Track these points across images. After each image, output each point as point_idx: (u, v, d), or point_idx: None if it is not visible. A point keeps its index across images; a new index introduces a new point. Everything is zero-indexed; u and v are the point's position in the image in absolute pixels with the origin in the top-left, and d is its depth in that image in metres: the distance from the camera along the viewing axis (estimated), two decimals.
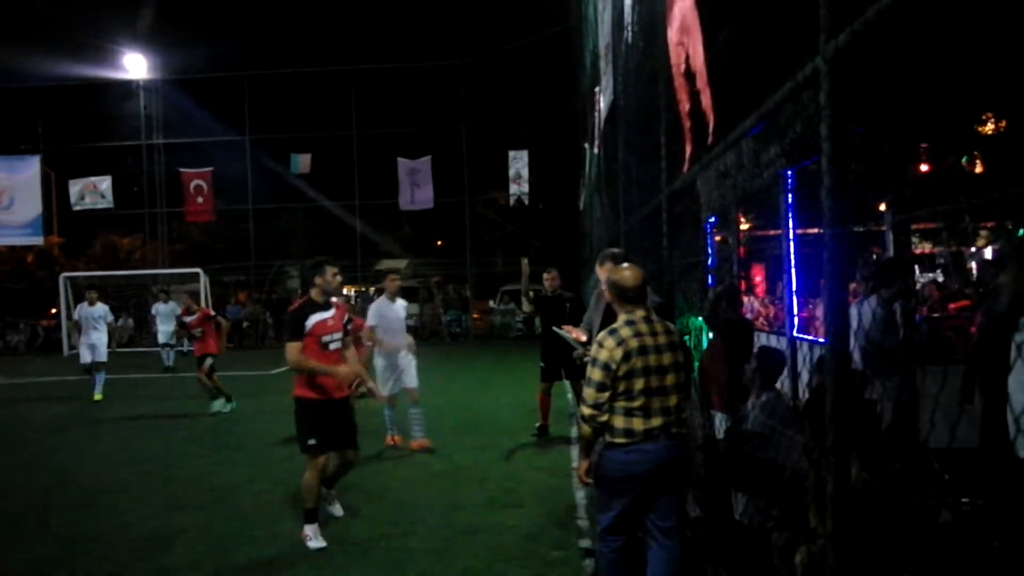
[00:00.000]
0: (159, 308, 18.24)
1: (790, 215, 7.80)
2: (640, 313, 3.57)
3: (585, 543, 5.09)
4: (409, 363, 8.15)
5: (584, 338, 4.94)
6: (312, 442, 5.20)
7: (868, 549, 2.48)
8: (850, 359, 1.96)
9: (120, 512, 6.12)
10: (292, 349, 5.15)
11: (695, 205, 4.64)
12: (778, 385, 4.25)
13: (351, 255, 27.33)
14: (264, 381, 15.36)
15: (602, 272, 4.76)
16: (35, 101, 26.72)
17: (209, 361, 10.92)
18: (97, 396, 12.59)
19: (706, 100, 3.39)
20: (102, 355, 12.67)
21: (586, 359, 4.14)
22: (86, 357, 12.61)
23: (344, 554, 5.01)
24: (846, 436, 1.94)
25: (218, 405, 10.92)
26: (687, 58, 3.65)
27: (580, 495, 6.23)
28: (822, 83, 1.97)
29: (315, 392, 5.27)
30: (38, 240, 27.15)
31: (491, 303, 28.84)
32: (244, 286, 29.79)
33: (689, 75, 3.63)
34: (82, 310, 12.83)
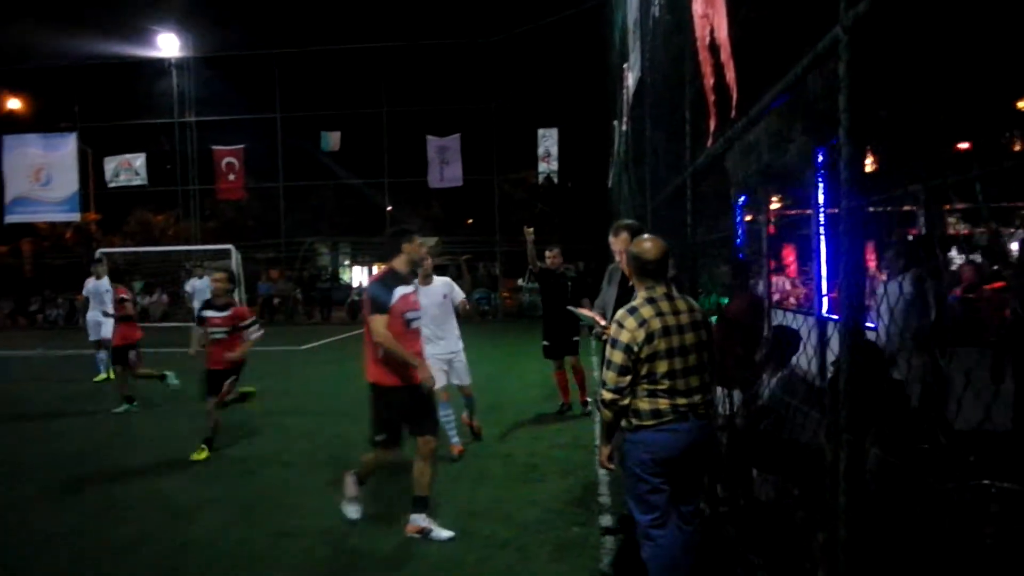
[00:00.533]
0: (195, 284, 18.47)
1: (821, 193, 7.68)
2: (661, 290, 3.42)
3: (606, 520, 5.11)
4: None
5: (603, 320, 4.64)
6: (381, 438, 4.85)
7: (882, 528, 2.45)
8: (863, 335, 1.94)
9: (151, 481, 6.26)
10: (379, 322, 4.65)
11: (724, 183, 4.57)
12: (793, 362, 4.20)
13: (380, 233, 27.47)
14: (293, 357, 15.55)
15: (616, 243, 4.62)
16: (72, 80, 27.08)
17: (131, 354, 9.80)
18: (101, 376, 12.00)
19: (730, 74, 3.33)
20: (107, 332, 11.28)
21: (605, 338, 4.11)
22: (94, 333, 11.83)
23: (368, 524, 5.09)
24: (860, 413, 1.92)
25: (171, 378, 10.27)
26: (711, 31, 3.59)
27: (603, 472, 6.25)
28: (841, 54, 1.93)
29: (394, 377, 4.73)
30: (75, 216, 27.65)
31: (520, 281, 28.86)
32: (275, 263, 30.10)
33: (713, 48, 3.57)
34: (89, 284, 11.90)
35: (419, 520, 4.85)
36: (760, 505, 4.12)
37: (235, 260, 23.68)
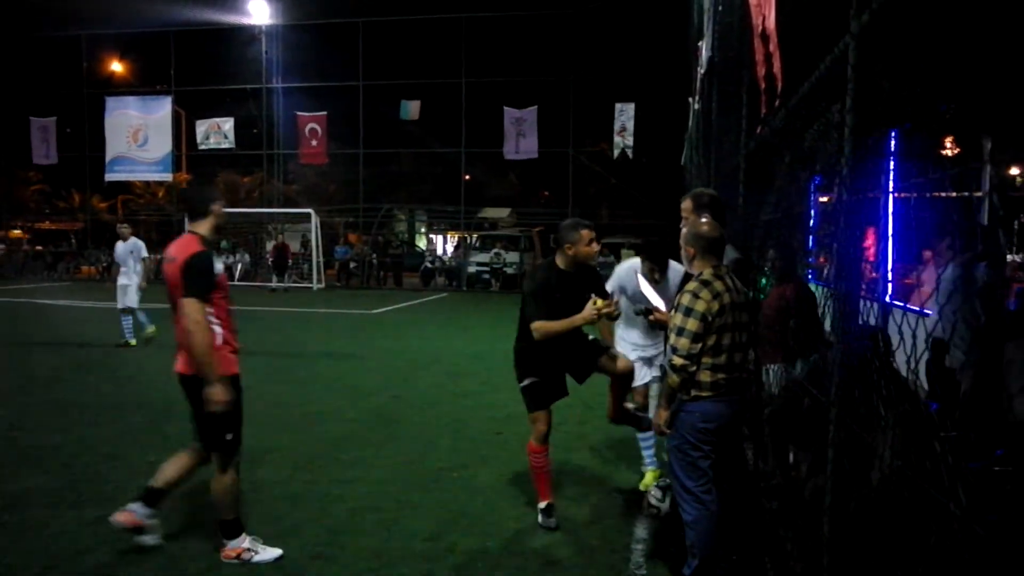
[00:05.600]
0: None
1: (890, 176, 7.59)
2: (722, 268, 3.63)
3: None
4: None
5: (663, 306, 4.46)
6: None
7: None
8: (858, 315, 2.09)
9: None
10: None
11: (793, 164, 4.63)
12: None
13: (456, 202, 27.92)
14: (365, 320, 16.11)
15: (685, 209, 4.44)
16: (169, 44, 28.23)
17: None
18: (131, 341, 11.22)
19: (776, 64, 3.43)
20: (131, 300, 11.05)
21: (652, 319, 4.28)
22: (121, 300, 11.18)
23: (418, 480, 5.42)
24: (848, 389, 2.08)
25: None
26: (763, 19, 3.68)
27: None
28: (849, 57, 2.05)
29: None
30: (168, 176, 29.04)
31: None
32: (353, 227, 30.94)
33: (764, 37, 3.66)
34: (117, 248, 11.35)
35: (238, 543, 4.11)
36: (794, 481, 4.26)
37: (314, 224, 24.51)
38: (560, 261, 4.58)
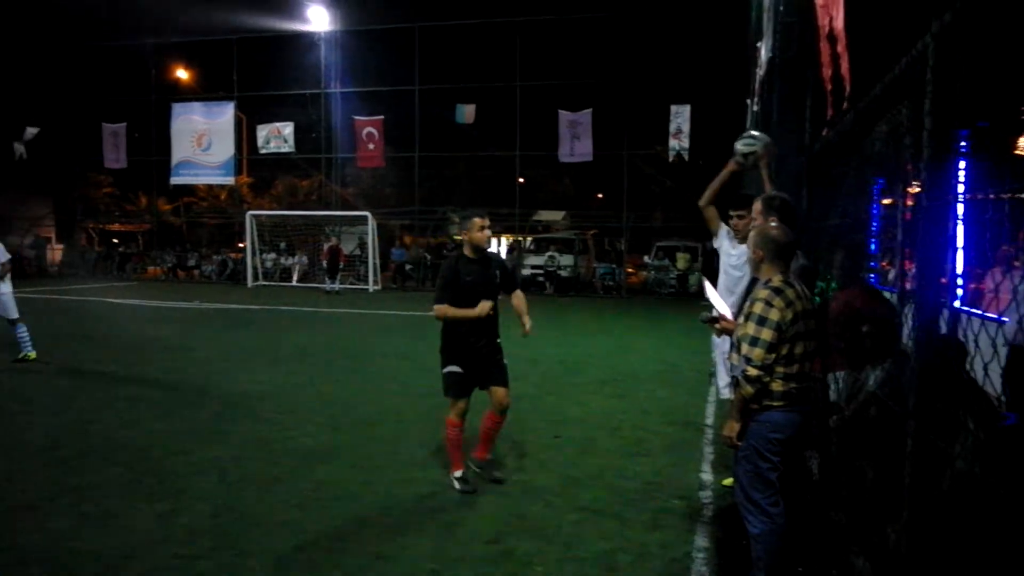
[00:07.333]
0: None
1: (960, 178, 7.35)
2: (791, 275, 3.58)
3: (706, 496, 5.26)
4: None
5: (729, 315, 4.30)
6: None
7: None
8: (939, 324, 2.03)
9: (285, 428, 6.89)
10: None
11: (857, 167, 4.54)
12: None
13: (510, 204, 27.99)
14: (421, 322, 16.25)
15: (754, 211, 4.31)
16: (231, 51, 28.95)
17: None
18: (30, 355, 9.85)
19: (844, 65, 3.37)
20: (12, 310, 9.70)
21: (710, 321, 4.20)
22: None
23: (479, 484, 5.44)
24: (928, 401, 2.02)
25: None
26: (830, 20, 3.61)
27: (708, 450, 6.37)
28: (928, 59, 2.00)
29: None
30: (230, 180, 29.79)
31: (645, 258, 28.71)
32: (409, 230, 31.26)
33: (831, 38, 3.60)
34: None
35: None
36: (864, 493, 4.15)
37: (371, 226, 24.84)
38: (465, 249, 5.32)
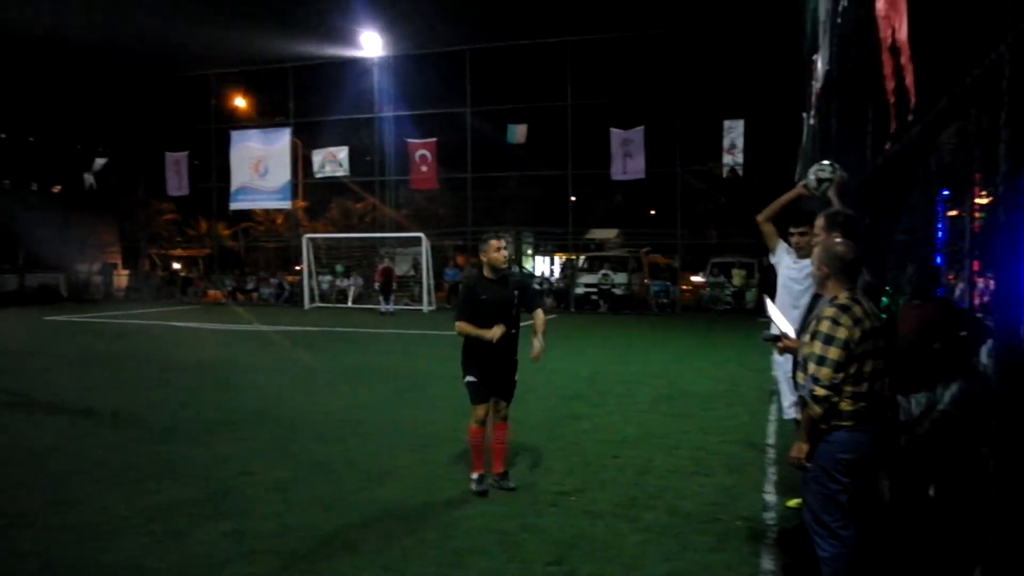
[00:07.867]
0: None
1: None
2: (857, 292, 3.48)
3: (770, 517, 5.14)
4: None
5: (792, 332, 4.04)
6: None
7: None
8: (1020, 344, 1.96)
9: (348, 447, 6.98)
10: None
11: (923, 179, 4.42)
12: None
13: (562, 223, 27.99)
14: None
15: (817, 227, 4.12)
16: (286, 78, 29.71)
17: None
18: None
19: (909, 78, 3.30)
20: None
21: (773, 340, 4.08)
22: None
23: (536, 503, 5.43)
24: (1013, 422, 1.95)
25: None
26: (893, 32, 3.55)
27: (771, 471, 6.24)
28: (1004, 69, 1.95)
29: None
30: (287, 204, 30.45)
31: (700, 275, 28.37)
32: (462, 250, 31.48)
33: (894, 50, 3.53)
34: None
35: None
36: (937, 516, 4.01)
37: (425, 247, 25.08)
38: (484, 270, 5.63)
